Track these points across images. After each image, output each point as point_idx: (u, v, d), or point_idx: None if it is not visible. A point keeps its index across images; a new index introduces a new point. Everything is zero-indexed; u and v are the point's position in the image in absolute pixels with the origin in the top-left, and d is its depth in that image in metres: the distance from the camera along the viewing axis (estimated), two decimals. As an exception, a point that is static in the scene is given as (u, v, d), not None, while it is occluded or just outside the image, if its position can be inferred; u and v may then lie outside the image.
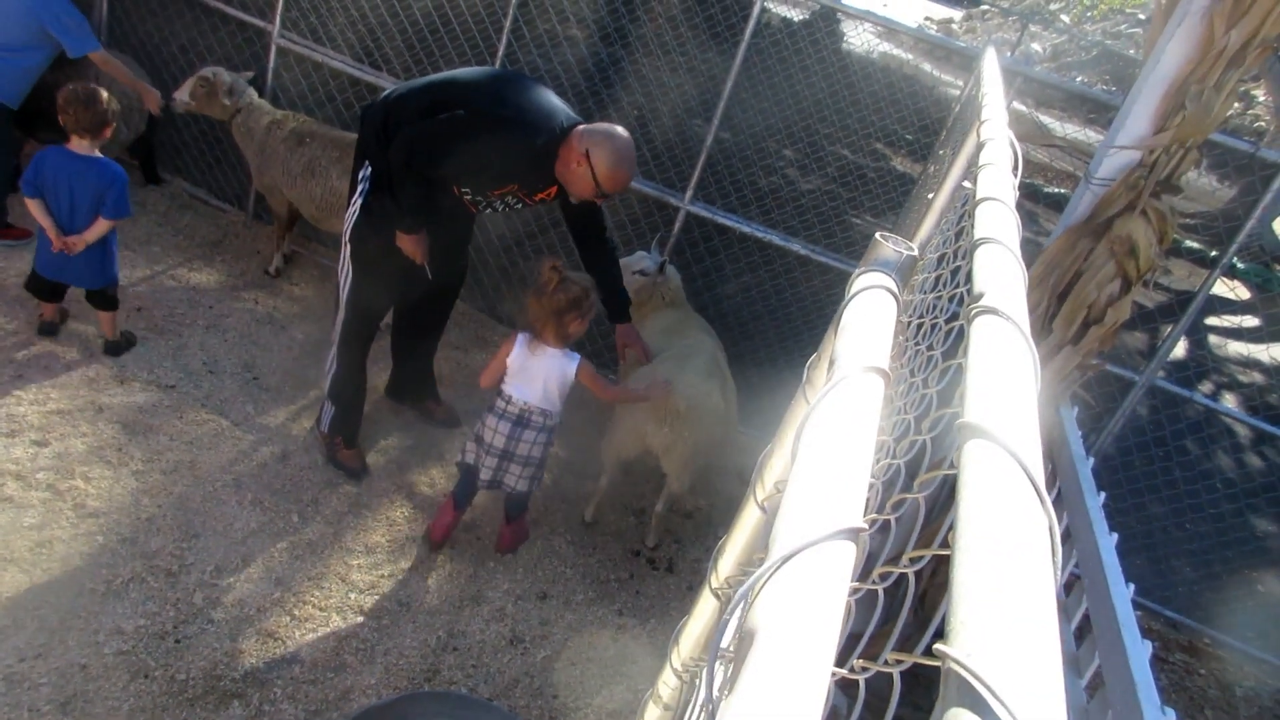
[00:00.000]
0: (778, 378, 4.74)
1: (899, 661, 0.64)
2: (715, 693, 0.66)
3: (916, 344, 1.24)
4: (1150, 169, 2.65)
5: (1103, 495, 2.61)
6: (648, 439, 3.51)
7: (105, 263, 3.82)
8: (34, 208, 3.61)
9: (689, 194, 4.55)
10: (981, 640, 0.45)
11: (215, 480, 3.49)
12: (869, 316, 0.99)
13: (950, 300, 1.20)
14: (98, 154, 3.67)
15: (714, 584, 1.42)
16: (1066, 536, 2.60)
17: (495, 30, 4.62)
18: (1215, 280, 3.93)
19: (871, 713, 0.75)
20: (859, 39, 5.79)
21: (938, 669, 0.46)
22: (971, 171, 1.42)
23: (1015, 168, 1.42)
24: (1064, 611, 2.52)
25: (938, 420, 0.91)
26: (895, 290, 1.09)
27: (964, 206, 1.40)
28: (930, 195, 2.36)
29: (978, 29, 15.66)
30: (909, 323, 1.33)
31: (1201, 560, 4.76)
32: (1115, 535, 2.43)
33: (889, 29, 4.70)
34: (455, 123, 3.08)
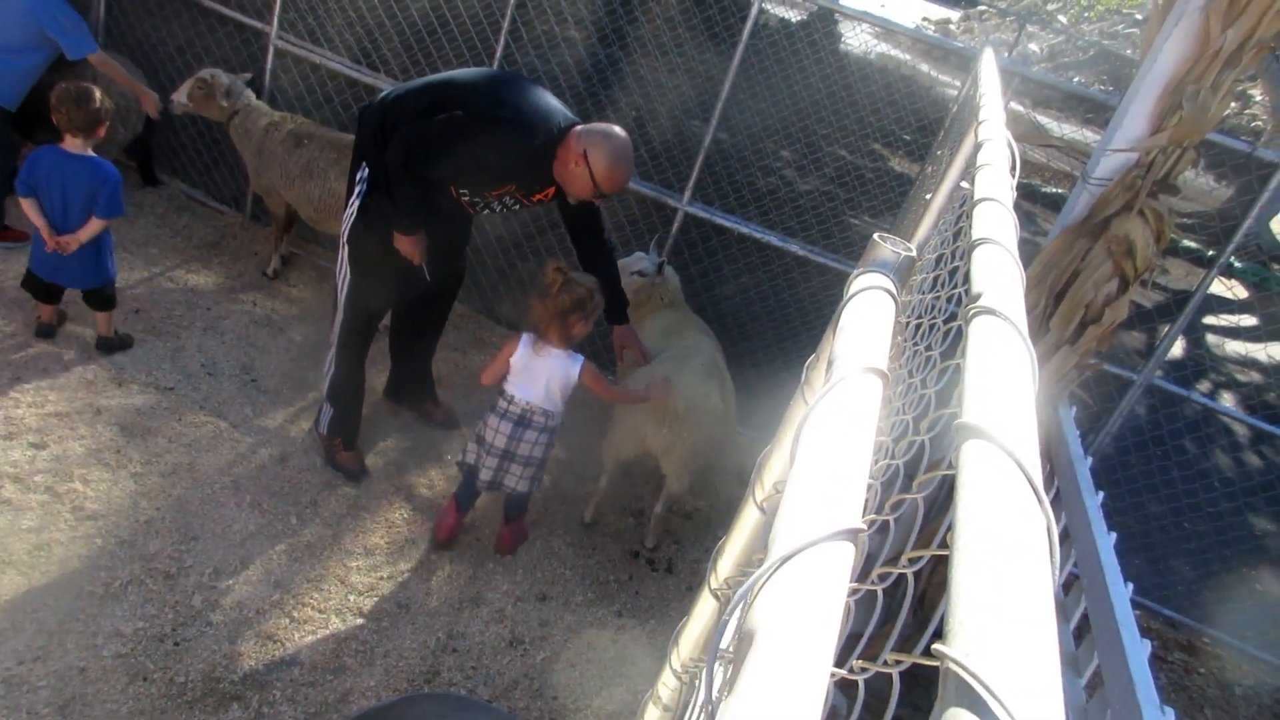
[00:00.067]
0: (776, 378, 4.74)
1: (898, 662, 0.64)
2: (715, 694, 0.66)
3: (915, 344, 1.24)
4: (1147, 169, 2.65)
5: (1101, 495, 2.62)
6: (647, 440, 3.51)
7: (99, 263, 3.82)
8: (27, 207, 3.61)
9: (687, 195, 4.55)
10: (980, 640, 0.45)
11: (214, 482, 3.49)
12: (867, 317, 0.99)
13: (948, 301, 1.21)
14: (91, 153, 3.67)
15: (713, 585, 1.42)
16: (1065, 536, 2.60)
17: (493, 31, 4.62)
18: (1213, 279, 3.93)
19: (871, 713, 0.75)
20: (857, 40, 5.79)
21: (937, 669, 0.46)
22: (969, 172, 1.43)
23: (1013, 168, 1.42)
24: (1063, 611, 2.52)
25: (936, 421, 0.91)
26: (893, 291, 1.09)
27: (962, 207, 1.41)
28: (928, 196, 2.36)
29: (975, 29, 15.67)
30: (907, 323, 1.34)
31: (1200, 559, 4.76)
32: (1114, 535, 2.43)
33: (887, 29, 4.71)
34: (453, 124, 3.08)
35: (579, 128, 3.10)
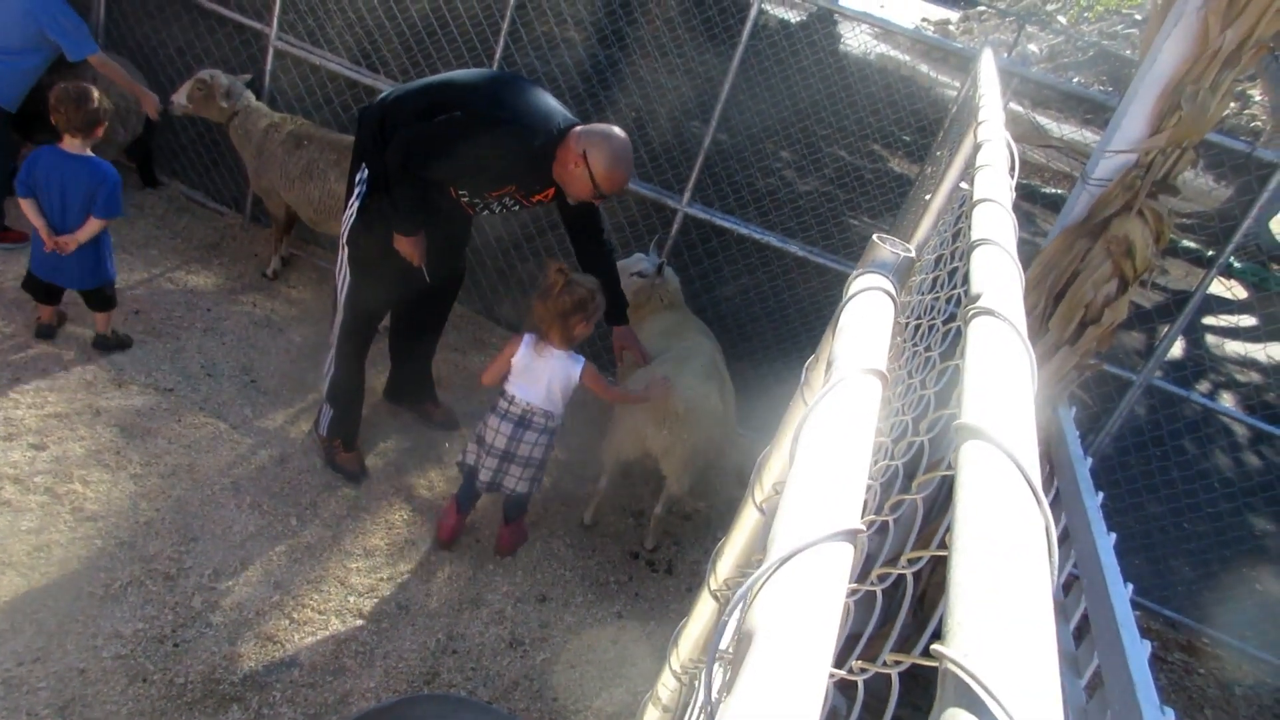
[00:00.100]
0: (776, 379, 4.74)
1: (897, 662, 0.64)
2: (714, 694, 0.66)
3: (914, 345, 1.24)
4: (1147, 169, 2.65)
5: (1101, 495, 2.62)
6: (647, 441, 3.51)
7: (99, 263, 3.82)
8: (26, 207, 3.61)
9: (687, 196, 4.55)
10: (978, 640, 0.45)
11: (213, 484, 3.49)
12: (866, 318, 0.99)
13: (948, 301, 1.21)
14: (90, 153, 3.68)
15: (713, 586, 1.42)
16: (1065, 536, 2.60)
17: (493, 32, 4.62)
18: (1212, 280, 3.93)
19: (870, 713, 0.75)
20: (856, 40, 5.80)
21: (936, 669, 0.47)
22: (969, 173, 1.43)
23: (1012, 169, 1.42)
24: (1063, 611, 2.52)
25: (935, 421, 0.91)
26: (893, 292, 1.09)
27: (961, 208, 1.41)
28: (927, 196, 2.36)
29: (974, 30, 15.68)
30: (906, 324, 1.34)
31: (1200, 559, 4.76)
32: (1113, 535, 2.44)
33: (886, 30, 4.71)
34: (452, 125, 3.08)
35: (578, 128, 3.11)
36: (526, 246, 5.07)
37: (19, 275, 4.02)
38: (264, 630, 2.99)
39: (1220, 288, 4.85)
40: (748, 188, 5.05)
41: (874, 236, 1.21)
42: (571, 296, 3.15)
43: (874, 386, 0.82)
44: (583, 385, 3.30)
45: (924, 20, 16.55)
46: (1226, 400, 6.57)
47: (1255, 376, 7.08)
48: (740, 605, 0.56)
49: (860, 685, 0.74)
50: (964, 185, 1.49)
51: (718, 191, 4.87)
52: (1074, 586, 2.51)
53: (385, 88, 4.08)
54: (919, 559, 0.74)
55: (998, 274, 0.92)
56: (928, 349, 1.15)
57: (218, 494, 3.45)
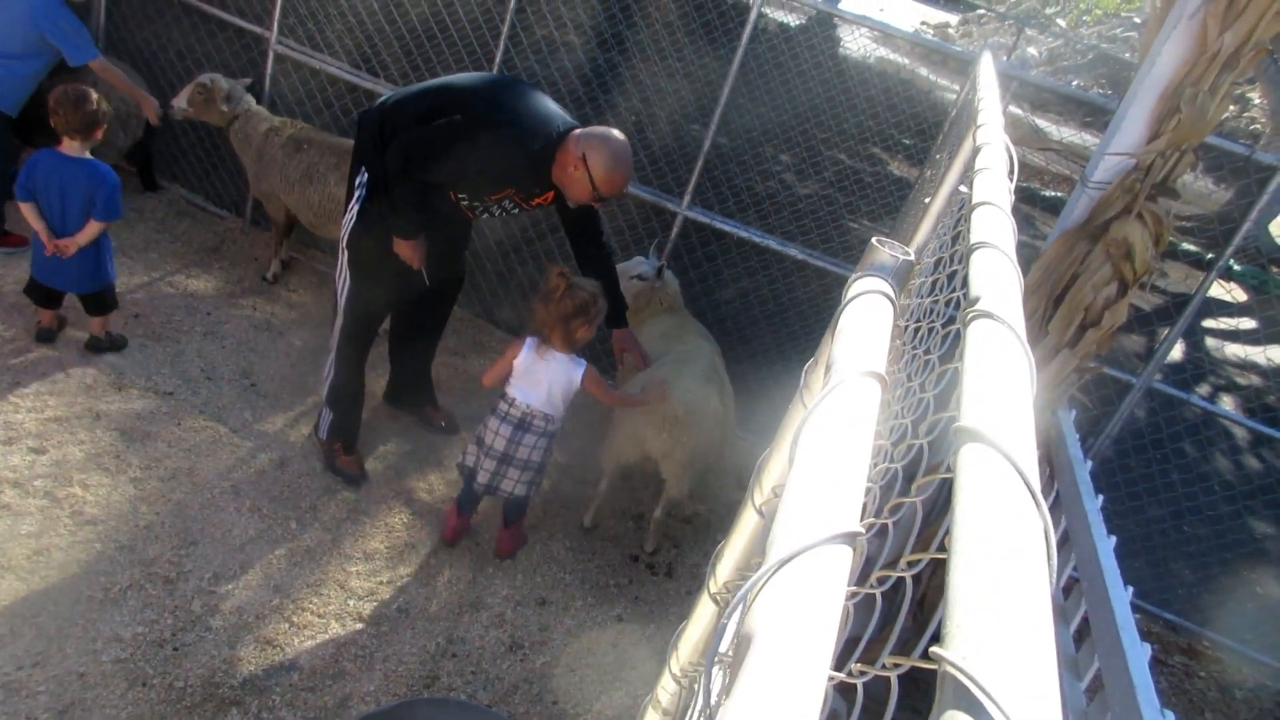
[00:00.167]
0: (775, 382, 4.74)
1: (896, 665, 0.64)
2: (714, 697, 0.66)
3: (913, 348, 1.24)
4: (1146, 172, 2.65)
5: (1101, 498, 2.62)
6: (646, 444, 3.51)
7: (99, 266, 3.83)
8: (26, 211, 3.61)
9: (686, 199, 4.56)
10: (977, 643, 0.45)
11: (213, 487, 3.49)
12: (866, 321, 0.99)
13: (947, 304, 1.21)
14: (89, 156, 3.68)
15: (712, 589, 1.42)
16: (1065, 539, 2.60)
17: (493, 36, 4.63)
18: (1212, 282, 3.93)
19: (869, 716, 0.75)
20: (855, 44, 5.80)
21: (935, 672, 0.47)
22: (968, 176, 1.43)
23: (1011, 172, 1.42)
24: (1063, 614, 2.52)
25: (934, 424, 0.91)
26: (892, 295, 1.10)
27: (960, 211, 1.41)
28: (927, 200, 2.36)
29: (974, 33, 15.70)
30: (906, 327, 1.34)
31: (1200, 562, 4.76)
32: (1114, 538, 2.43)
33: (885, 34, 4.71)
34: (452, 128, 3.08)
35: (578, 131, 3.11)
36: (526, 250, 5.07)
37: (18, 279, 4.02)
38: (263, 634, 2.98)
39: (1220, 290, 4.86)
40: (747, 191, 5.06)
41: (873, 240, 1.21)
42: (573, 300, 3.15)
43: (873, 389, 0.82)
44: (584, 389, 3.30)
45: (923, 24, 16.58)
46: (1226, 403, 6.57)
47: (1255, 379, 7.08)
48: (739, 608, 0.56)
49: (859, 688, 0.74)
50: (963, 188, 1.50)
51: (717, 195, 4.87)
52: (1074, 589, 2.51)
53: (385, 92, 4.08)
54: (918, 562, 0.74)
55: (997, 277, 0.92)
56: (927, 352, 1.15)
57: (217, 498, 3.45)
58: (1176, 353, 6.16)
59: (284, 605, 3.11)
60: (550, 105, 3.23)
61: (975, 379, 0.71)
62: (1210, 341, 7.43)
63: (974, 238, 1.05)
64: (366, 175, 3.30)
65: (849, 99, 4.76)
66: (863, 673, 0.71)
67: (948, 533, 0.56)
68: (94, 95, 3.62)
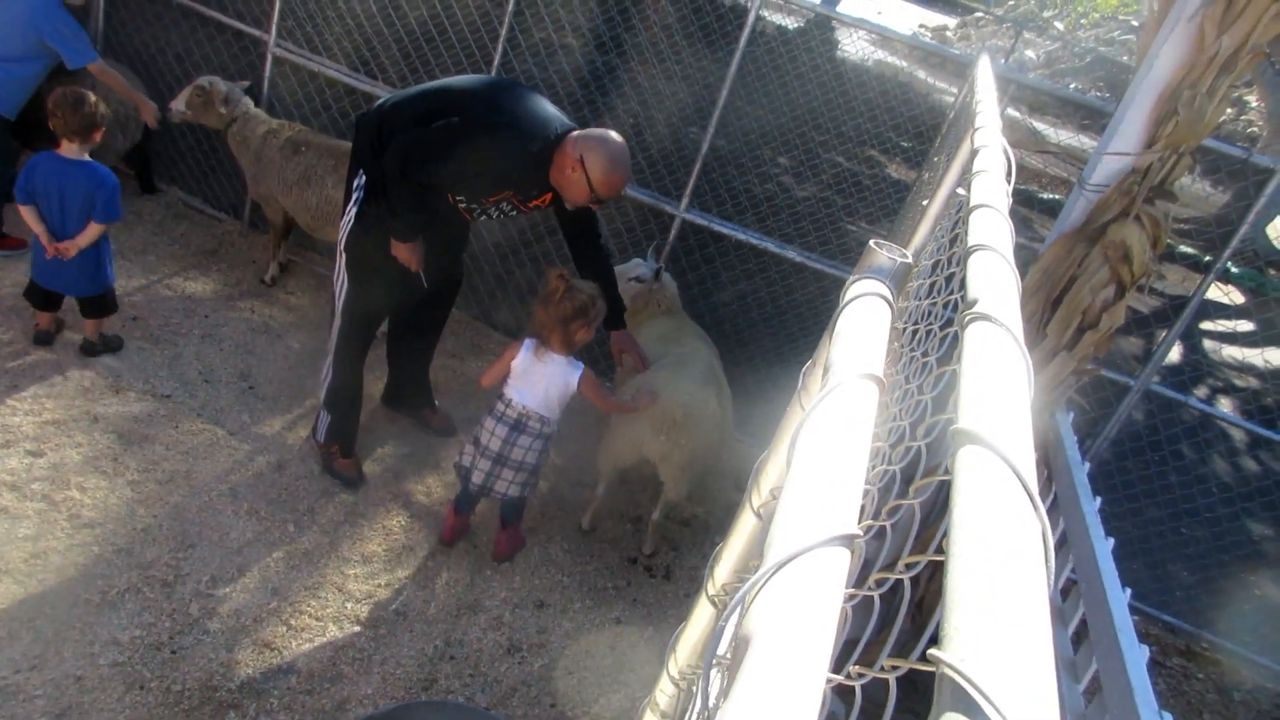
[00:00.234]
0: (773, 384, 4.75)
1: (895, 667, 0.64)
2: (712, 700, 0.66)
3: (911, 350, 1.24)
4: (1144, 175, 2.66)
5: (1099, 500, 2.62)
6: (644, 447, 3.51)
7: (99, 269, 3.83)
8: (27, 214, 3.61)
9: (684, 201, 4.56)
10: (975, 645, 0.45)
11: (211, 490, 3.49)
12: (863, 323, 0.99)
13: (944, 306, 1.21)
14: (88, 158, 3.68)
15: (710, 591, 1.42)
16: (1063, 541, 2.60)
17: (491, 39, 4.63)
18: (1209, 285, 3.94)
19: (868, 719, 0.75)
20: (853, 46, 5.80)
21: (933, 675, 0.47)
22: (965, 178, 1.43)
23: (1009, 174, 1.42)
24: (1061, 616, 2.52)
25: (932, 426, 0.91)
26: (890, 297, 1.10)
27: (958, 213, 1.41)
28: (925, 202, 2.36)
29: (972, 36, 15.72)
30: (903, 329, 1.34)
31: (1198, 564, 4.76)
32: (1112, 540, 2.44)
33: (883, 37, 4.72)
34: (450, 130, 3.09)
35: (575, 133, 3.11)
36: (524, 252, 5.07)
37: (16, 282, 4.02)
38: (261, 637, 2.98)
39: (1218, 293, 4.86)
40: (745, 193, 5.06)
41: (871, 242, 1.21)
42: (573, 302, 3.16)
43: (871, 392, 0.82)
44: (579, 392, 3.30)
45: (921, 26, 16.61)
46: (1224, 405, 6.58)
47: (1253, 381, 7.09)
48: (738, 610, 0.56)
49: (858, 690, 0.74)
50: (961, 191, 1.50)
51: (715, 197, 4.88)
52: (1072, 591, 2.51)
53: (383, 94, 4.09)
54: (916, 564, 0.74)
55: (995, 279, 0.92)
56: (925, 354, 1.15)
57: (215, 500, 3.45)
58: (1174, 355, 6.17)
59: (282, 608, 3.11)
60: (548, 108, 3.23)
61: (973, 381, 0.71)
62: (1208, 344, 7.45)
63: (972, 240, 1.05)
64: (364, 178, 3.30)
65: (847, 102, 4.77)
66: (861, 675, 0.71)
67: (946, 535, 0.56)
68: (92, 97, 3.62)
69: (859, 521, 0.64)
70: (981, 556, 0.52)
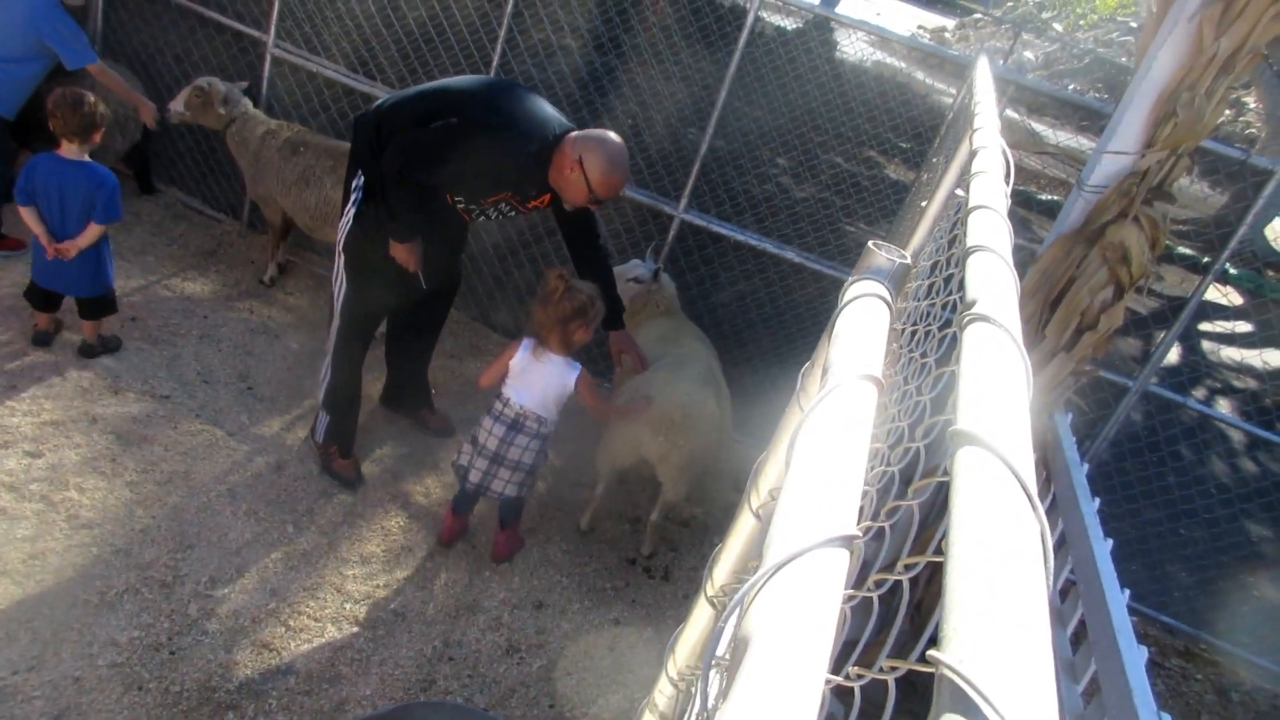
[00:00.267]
0: (772, 385, 4.74)
1: (894, 668, 0.64)
2: (711, 701, 0.66)
3: (910, 351, 1.24)
4: (1142, 176, 2.66)
5: (1097, 501, 2.62)
6: (643, 448, 3.51)
7: (99, 269, 3.82)
8: (27, 215, 3.61)
9: (683, 202, 4.56)
10: (974, 646, 0.45)
11: (210, 491, 3.49)
12: (862, 324, 0.99)
13: (943, 307, 1.21)
14: (87, 158, 3.68)
15: (709, 592, 1.42)
16: (1062, 542, 2.60)
17: (490, 40, 4.63)
18: (1208, 286, 3.94)
19: (867, 720, 0.75)
20: (852, 48, 5.80)
21: (932, 675, 0.47)
22: (964, 179, 1.43)
23: (1008, 176, 1.42)
24: (1060, 617, 2.52)
25: (931, 427, 0.91)
26: (888, 298, 1.10)
27: (957, 214, 1.41)
28: (923, 203, 2.37)
29: (970, 37, 15.74)
30: (902, 330, 1.34)
31: (1197, 565, 4.76)
32: (1110, 541, 2.44)
33: (882, 38, 4.72)
34: (448, 131, 3.08)
35: (574, 134, 3.11)
36: (523, 253, 5.07)
37: (14, 282, 4.02)
38: (260, 638, 2.98)
39: (1216, 294, 4.87)
40: (744, 194, 5.06)
41: (870, 243, 1.22)
42: (572, 302, 3.16)
43: (870, 392, 0.82)
44: (576, 393, 3.30)
45: (920, 27, 16.62)
46: (1223, 406, 6.59)
47: (1251, 382, 7.09)
48: (736, 611, 0.56)
49: (856, 692, 0.74)
50: (960, 192, 1.50)
51: (714, 198, 4.88)
52: (1071, 592, 2.51)
53: (382, 95, 4.09)
54: (915, 565, 0.74)
55: (993, 280, 0.92)
56: (923, 355, 1.15)
57: (214, 501, 3.44)
58: (1173, 356, 6.18)
59: (280, 609, 3.11)
60: (547, 108, 3.23)
61: (972, 382, 0.71)
62: (1206, 345, 7.45)
63: (970, 241, 1.05)
64: (362, 178, 3.30)
65: (846, 102, 4.77)
66: (860, 676, 0.71)
67: (944, 536, 0.56)
68: (92, 98, 3.62)
69: (858, 523, 0.64)
70: (980, 557, 0.52)
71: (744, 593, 0.56)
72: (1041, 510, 0.57)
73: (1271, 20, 2.44)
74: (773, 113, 4.96)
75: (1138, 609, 4.46)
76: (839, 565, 0.58)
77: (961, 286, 0.97)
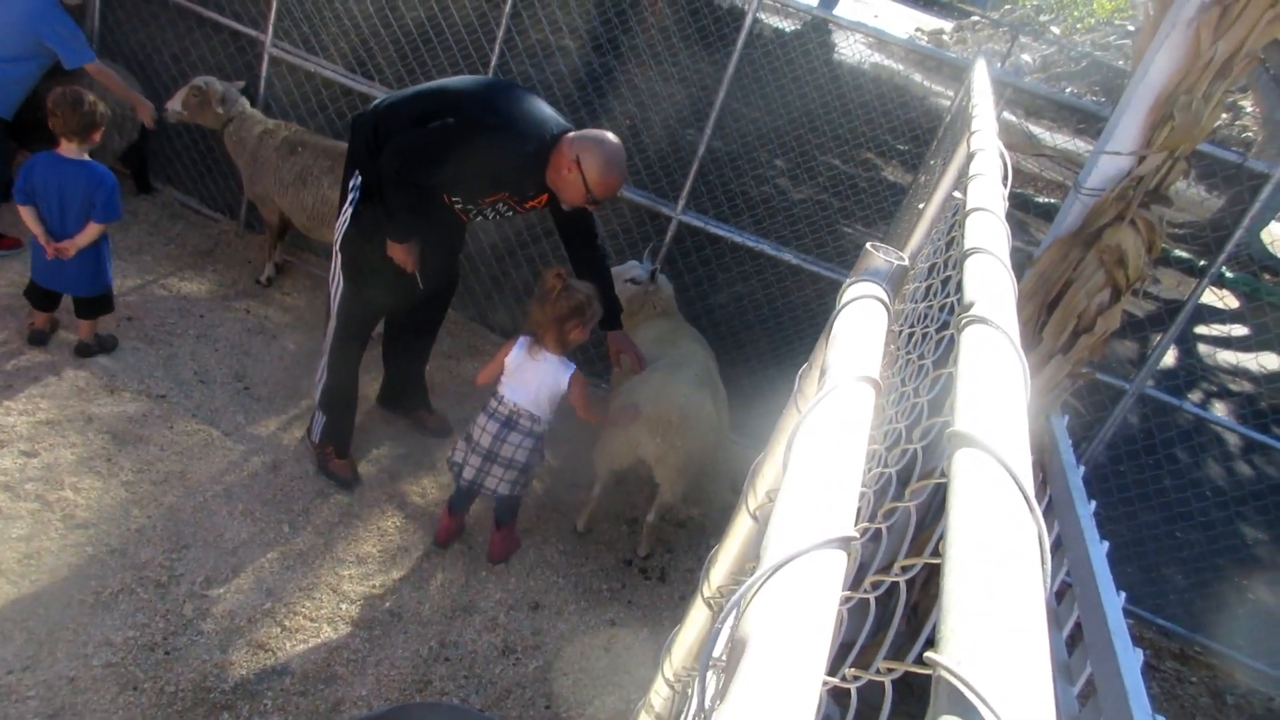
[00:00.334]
0: (770, 387, 4.75)
1: (890, 670, 0.64)
2: (707, 702, 0.66)
3: (907, 353, 1.24)
4: (1139, 180, 2.67)
5: (1093, 503, 2.62)
6: (640, 449, 3.51)
7: (99, 269, 3.82)
8: (25, 215, 3.60)
9: (681, 203, 4.56)
10: (971, 648, 0.45)
11: (205, 491, 3.48)
12: (860, 326, 0.99)
13: (941, 309, 1.21)
14: (87, 158, 3.67)
15: (706, 593, 1.42)
16: (1058, 545, 2.61)
17: (488, 40, 4.63)
18: (1204, 289, 3.95)
19: (863, 722, 0.75)
20: (850, 50, 5.81)
21: (929, 677, 0.47)
22: (962, 182, 1.43)
23: (1005, 178, 1.42)
24: (1056, 619, 2.52)
25: (928, 429, 0.91)
26: (886, 300, 1.10)
27: (954, 216, 1.41)
28: (921, 205, 2.37)
29: (968, 40, 15.76)
30: (900, 332, 1.34)
31: (1192, 568, 4.77)
32: (1106, 543, 2.44)
33: (880, 40, 4.73)
34: (446, 131, 3.08)
35: (571, 134, 3.11)
36: (521, 253, 5.07)
37: (11, 281, 4.01)
38: (255, 638, 2.97)
39: (1212, 297, 4.88)
40: (742, 195, 5.07)
41: (867, 245, 1.22)
42: (569, 302, 3.16)
43: (867, 394, 0.82)
44: (568, 393, 3.29)
45: (918, 30, 16.64)
46: (1218, 409, 6.60)
47: (1247, 386, 7.11)
48: (733, 612, 0.56)
49: (853, 693, 0.74)
50: (957, 194, 1.50)
51: (712, 199, 4.88)
52: (1067, 594, 2.51)
53: (379, 95, 4.09)
54: (912, 566, 0.74)
55: (991, 282, 0.92)
56: (921, 357, 1.15)
57: (210, 501, 3.44)
58: (1169, 359, 6.19)
59: (276, 609, 3.10)
60: (545, 109, 3.23)
61: (969, 384, 0.71)
62: (1202, 348, 7.47)
63: (968, 243, 1.05)
64: (359, 179, 3.30)
65: (843, 104, 4.78)
66: (857, 678, 0.71)
67: (942, 537, 0.56)
68: (91, 97, 3.62)
69: (855, 524, 0.64)
70: (978, 559, 0.52)
71: (741, 594, 0.56)
72: (1039, 512, 0.57)
73: (1268, 24, 2.45)
74: (771, 114, 4.96)
75: (1133, 611, 4.46)
76: (836, 567, 0.58)
77: (959, 289, 0.97)
